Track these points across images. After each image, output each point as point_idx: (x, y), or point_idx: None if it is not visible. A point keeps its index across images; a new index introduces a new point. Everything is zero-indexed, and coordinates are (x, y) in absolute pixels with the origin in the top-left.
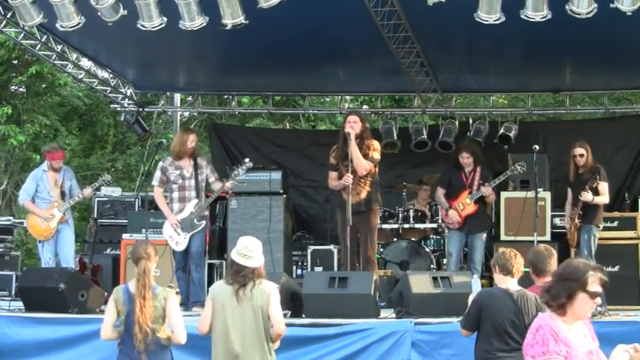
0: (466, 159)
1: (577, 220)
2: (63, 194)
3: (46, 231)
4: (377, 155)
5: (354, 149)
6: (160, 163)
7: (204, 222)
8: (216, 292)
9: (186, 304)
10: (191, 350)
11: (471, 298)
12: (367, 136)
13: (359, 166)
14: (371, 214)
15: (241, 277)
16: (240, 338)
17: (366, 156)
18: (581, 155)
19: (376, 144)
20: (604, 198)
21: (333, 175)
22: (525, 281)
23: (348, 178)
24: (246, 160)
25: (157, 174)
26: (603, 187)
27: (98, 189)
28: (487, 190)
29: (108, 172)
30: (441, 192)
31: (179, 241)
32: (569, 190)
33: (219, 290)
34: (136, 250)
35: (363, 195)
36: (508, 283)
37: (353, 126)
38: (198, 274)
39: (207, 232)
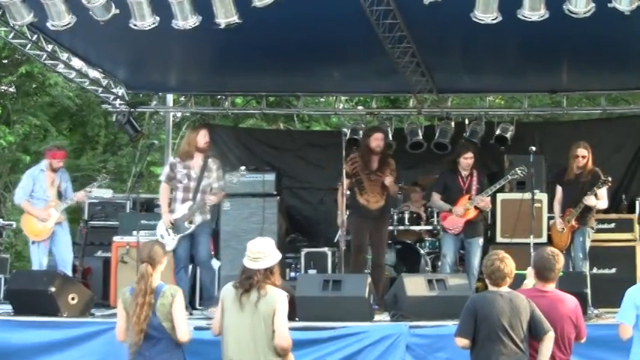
0: (470, 159)
1: (574, 222)
2: (59, 194)
3: (42, 231)
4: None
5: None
6: (171, 159)
7: (193, 226)
8: (224, 294)
9: (187, 306)
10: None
11: None
12: (389, 153)
13: (392, 187)
14: (387, 220)
15: (246, 281)
16: (235, 345)
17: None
18: (584, 157)
19: (392, 162)
20: (604, 202)
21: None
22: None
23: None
24: (242, 168)
25: (166, 169)
26: (603, 192)
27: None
28: (485, 205)
29: (99, 173)
30: (437, 197)
31: (168, 242)
32: (560, 189)
33: (226, 293)
34: (141, 252)
35: (383, 202)
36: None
37: (380, 144)
38: (208, 278)
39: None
